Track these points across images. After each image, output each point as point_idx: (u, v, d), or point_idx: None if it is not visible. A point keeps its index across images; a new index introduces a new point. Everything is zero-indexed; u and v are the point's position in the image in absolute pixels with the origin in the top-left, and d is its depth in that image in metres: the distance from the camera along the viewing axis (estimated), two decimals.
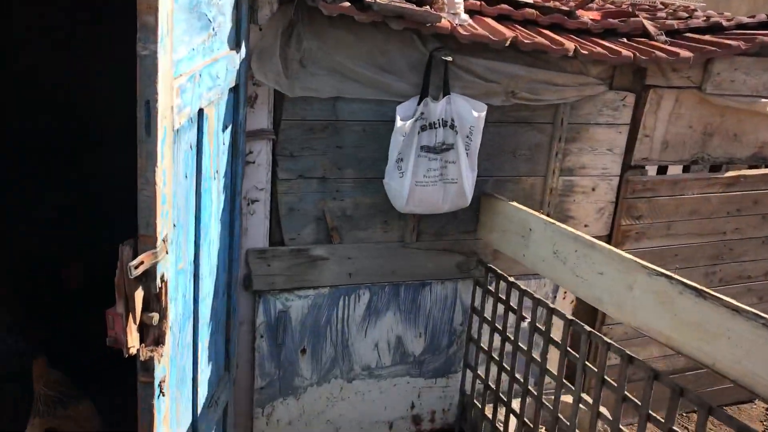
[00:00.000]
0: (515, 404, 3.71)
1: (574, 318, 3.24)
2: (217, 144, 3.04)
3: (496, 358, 3.82)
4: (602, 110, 4.05)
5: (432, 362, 4.19)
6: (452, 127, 3.59)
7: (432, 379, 4.22)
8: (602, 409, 3.10)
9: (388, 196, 3.68)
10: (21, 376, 3.89)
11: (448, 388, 4.27)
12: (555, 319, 3.35)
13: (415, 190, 3.59)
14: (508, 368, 3.70)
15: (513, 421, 3.75)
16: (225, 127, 3.13)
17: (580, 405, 3.19)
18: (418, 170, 3.58)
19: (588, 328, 3.11)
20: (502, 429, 3.79)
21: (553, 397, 3.39)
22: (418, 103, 3.54)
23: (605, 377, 3.02)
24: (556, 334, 3.37)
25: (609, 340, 3.00)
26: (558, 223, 3.41)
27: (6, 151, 5.66)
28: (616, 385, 2.95)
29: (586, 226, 4.20)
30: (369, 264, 3.88)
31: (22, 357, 4.03)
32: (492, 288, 3.85)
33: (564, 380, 3.32)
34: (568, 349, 3.25)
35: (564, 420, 3.29)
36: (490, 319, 3.86)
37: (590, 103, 4.01)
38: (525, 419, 3.59)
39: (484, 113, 3.60)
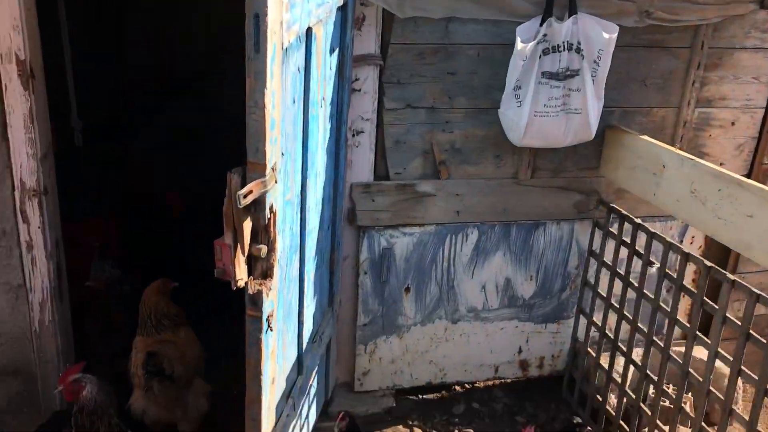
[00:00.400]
0: (636, 355, 3.43)
1: (714, 265, 2.90)
2: (325, 68, 2.84)
3: (616, 305, 3.54)
4: (750, 32, 3.57)
5: (542, 306, 3.95)
6: (578, 50, 3.24)
7: (542, 324, 3.99)
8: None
9: (503, 128, 3.41)
10: (125, 301, 3.97)
11: (559, 334, 4.03)
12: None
13: (534, 121, 3.28)
14: (629, 316, 3.42)
15: (632, 373, 3.48)
16: (332, 50, 2.91)
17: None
18: (538, 99, 3.26)
19: (732, 277, 2.78)
20: (619, 380, 3.53)
21: (682, 349, 3.10)
22: (541, 24, 3.20)
23: (751, 332, 2.70)
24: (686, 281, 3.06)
25: (758, 291, 2.66)
26: (698, 159, 3.05)
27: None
28: (765, 341, 2.63)
29: (721, 164, 3.77)
30: (478, 201, 3.64)
31: (123, 283, 4.09)
32: (614, 230, 3.53)
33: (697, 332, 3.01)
34: (705, 299, 2.93)
35: (695, 375, 3.01)
36: (610, 263, 3.56)
37: (736, 25, 3.54)
38: (648, 372, 3.31)
39: (615, 35, 3.22)
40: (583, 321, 3.85)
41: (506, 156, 3.60)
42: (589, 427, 3.25)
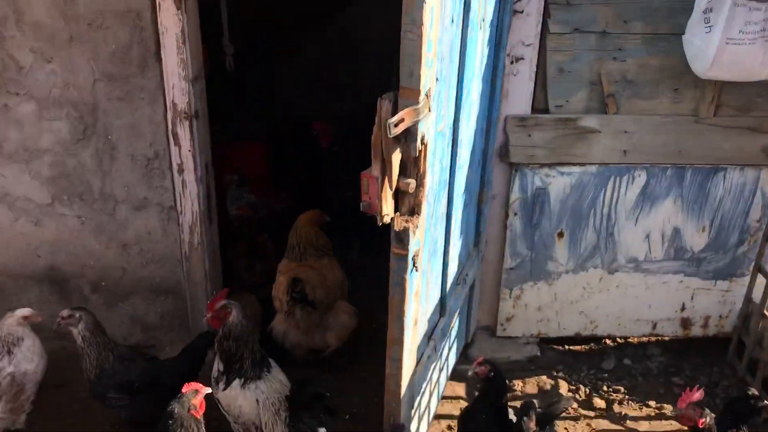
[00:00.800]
0: None
1: None
2: None
3: None
4: None
5: (714, 261, 3.54)
6: None
7: (711, 281, 3.59)
8: None
9: (687, 57, 3.03)
10: (265, 226, 4.02)
11: (730, 293, 3.61)
12: None
13: (726, 49, 2.86)
14: None
15: None
16: None
17: None
18: (733, 23, 2.82)
19: None
20: None
21: None
22: None
23: None
24: None
25: None
26: None
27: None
28: None
29: None
30: (649, 140, 3.27)
31: (261, 208, 4.13)
32: None
33: None
34: None
35: None
36: None
37: None
38: None
39: None
40: (761, 280, 3.42)
41: (686, 90, 3.19)
42: (766, 401, 2.87)
